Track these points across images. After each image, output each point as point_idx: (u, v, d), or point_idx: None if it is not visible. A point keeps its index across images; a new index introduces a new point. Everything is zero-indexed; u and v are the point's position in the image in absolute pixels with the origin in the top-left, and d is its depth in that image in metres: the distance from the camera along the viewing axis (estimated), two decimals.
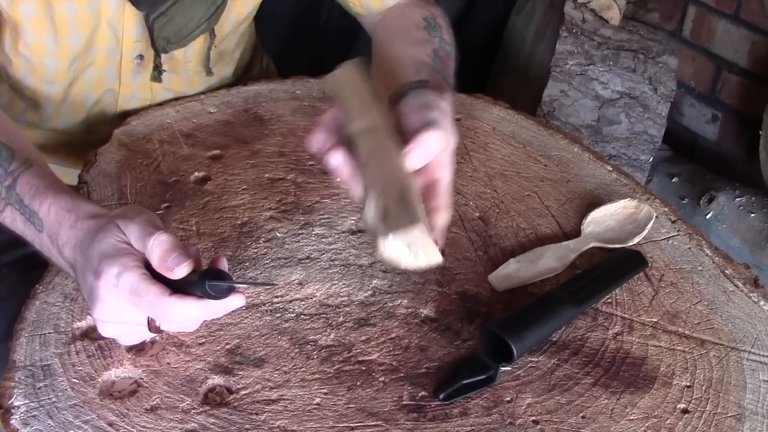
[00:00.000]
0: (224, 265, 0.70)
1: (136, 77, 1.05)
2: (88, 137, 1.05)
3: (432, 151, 0.71)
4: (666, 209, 0.94)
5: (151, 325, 0.69)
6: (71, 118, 1.07)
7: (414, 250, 0.66)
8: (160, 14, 0.98)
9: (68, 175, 1.09)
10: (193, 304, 0.66)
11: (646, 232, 0.89)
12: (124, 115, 1.06)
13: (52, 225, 0.73)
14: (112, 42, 1.01)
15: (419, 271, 0.69)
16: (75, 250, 0.70)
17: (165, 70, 1.06)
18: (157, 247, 0.66)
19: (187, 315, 0.67)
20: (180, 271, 0.66)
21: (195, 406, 0.67)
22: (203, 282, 0.66)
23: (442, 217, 0.71)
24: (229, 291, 0.67)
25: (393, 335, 0.75)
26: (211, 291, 0.66)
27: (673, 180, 1.88)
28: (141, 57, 1.03)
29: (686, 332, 0.78)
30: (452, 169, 0.74)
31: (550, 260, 0.84)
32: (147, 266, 0.68)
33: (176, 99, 1.09)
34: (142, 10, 0.98)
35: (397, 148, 0.70)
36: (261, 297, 0.78)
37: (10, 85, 1.03)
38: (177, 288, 0.67)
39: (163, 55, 1.04)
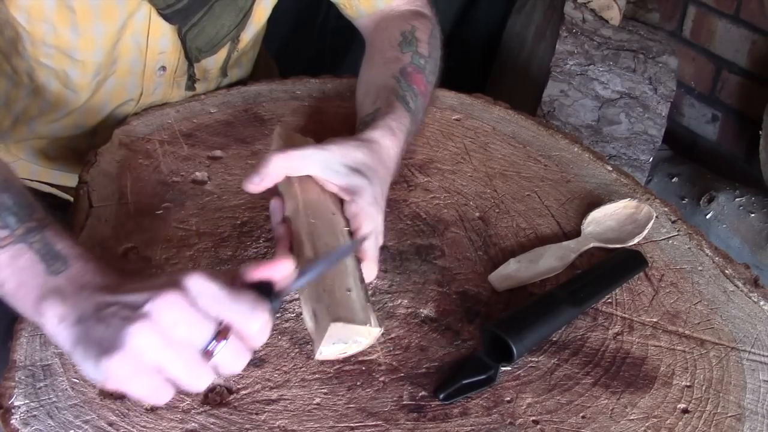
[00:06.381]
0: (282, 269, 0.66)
1: (157, 88, 1.06)
2: (91, 140, 1.05)
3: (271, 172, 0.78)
4: (666, 209, 0.94)
5: (213, 345, 0.61)
6: (83, 124, 1.06)
7: (349, 339, 0.68)
8: (191, 26, 0.99)
9: (69, 176, 1.09)
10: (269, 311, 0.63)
11: (646, 232, 0.89)
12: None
13: (81, 268, 0.67)
14: (136, 54, 1.01)
15: (366, 349, 0.71)
16: (108, 291, 0.64)
17: (198, 79, 1.07)
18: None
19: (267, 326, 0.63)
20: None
21: (195, 406, 0.67)
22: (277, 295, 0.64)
23: (367, 272, 0.75)
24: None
25: (393, 335, 0.75)
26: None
27: (673, 180, 1.88)
28: (163, 68, 1.04)
29: (686, 332, 0.78)
30: (373, 217, 0.78)
31: (550, 260, 0.84)
32: None
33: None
34: (174, 23, 0.99)
35: (321, 225, 0.76)
36: None
37: (32, 90, 1.03)
38: None
39: (195, 65, 1.05)
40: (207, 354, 0.60)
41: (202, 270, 0.62)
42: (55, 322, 0.64)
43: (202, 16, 0.99)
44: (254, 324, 0.61)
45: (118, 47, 0.99)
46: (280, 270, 0.65)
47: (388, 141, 0.85)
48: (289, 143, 0.88)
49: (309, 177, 0.81)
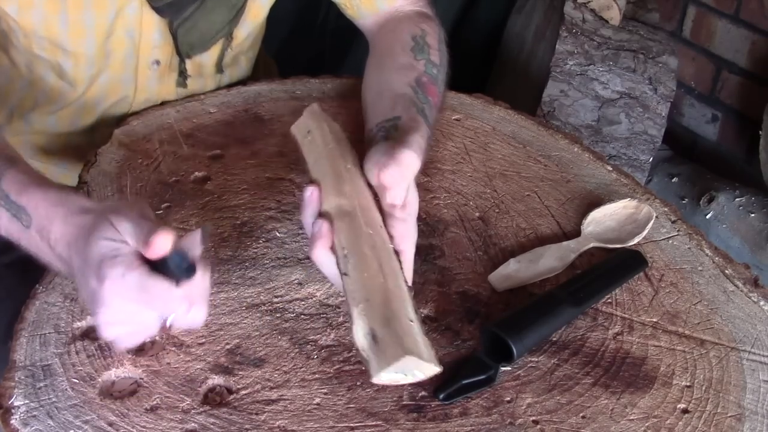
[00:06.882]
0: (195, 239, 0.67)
1: (151, 82, 1.06)
2: (91, 139, 1.05)
3: (408, 171, 0.72)
4: (666, 209, 0.94)
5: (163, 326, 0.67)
6: (80, 120, 1.06)
7: (409, 372, 0.65)
8: (183, 20, 0.99)
9: (69, 176, 1.09)
10: (201, 280, 0.65)
11: (646, 232, 0.89)
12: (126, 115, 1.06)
13: (41, 220, 0.70)
14: (129, 48, 1.01)
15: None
16: (69, 248, 0.68)
17: (190, 75, 1.06)
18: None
19: (202, 292, 0.66)
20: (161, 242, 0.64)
21: (195, 406, 0.67)
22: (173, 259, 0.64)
23: None
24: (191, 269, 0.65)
25: None
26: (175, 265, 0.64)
27: (673, 180, 1.88)
28: (157, 62, 1.04)
29: (686, 332, 0.78)
30: (414, 241, 0.74)
31: (550, 260, 0.84)
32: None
33: (177, 99, 1.09)
34: (165, 17, 0.99)
35: (378, 238, 0.71)
36: (261, 297, 0.78)
37: (29, 82, 1.03)
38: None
39: (187, 61, 1.05)
40: (164, 328, 0.67)
41: (117, 266, 0.63)
42: (66, 269, 0.70)
43: (194, 11, 0.99)
44: (179, 305, 0.65)
45: (111, 40, 0.99)
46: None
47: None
48: (321, 127, 0.84)
49: (360, 176, 0.76)
